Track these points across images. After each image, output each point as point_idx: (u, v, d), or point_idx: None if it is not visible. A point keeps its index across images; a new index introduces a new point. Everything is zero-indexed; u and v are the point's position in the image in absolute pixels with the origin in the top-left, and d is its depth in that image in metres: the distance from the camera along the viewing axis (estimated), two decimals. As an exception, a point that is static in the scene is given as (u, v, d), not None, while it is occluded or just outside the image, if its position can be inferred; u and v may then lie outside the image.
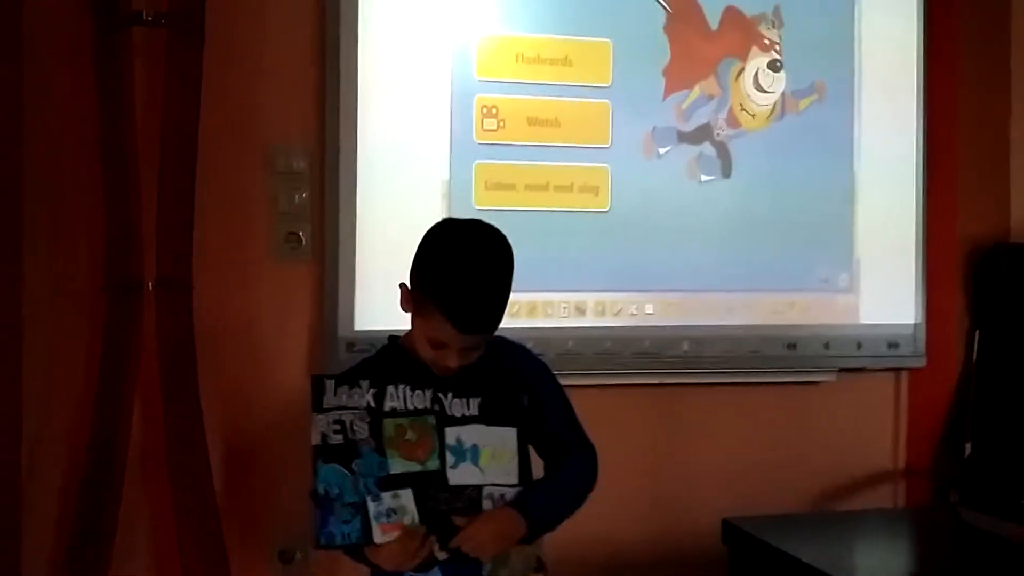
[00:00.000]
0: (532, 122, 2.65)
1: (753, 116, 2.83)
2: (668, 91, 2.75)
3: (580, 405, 1.79)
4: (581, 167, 2.68)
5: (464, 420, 1.60)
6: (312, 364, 2.53)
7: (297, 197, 2.55)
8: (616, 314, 2.71)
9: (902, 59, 2.92)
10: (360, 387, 1.59)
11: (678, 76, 2.76)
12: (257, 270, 2.54)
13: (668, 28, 2.75)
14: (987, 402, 2.93)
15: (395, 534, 1.57)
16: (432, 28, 2.59)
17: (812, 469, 2.90)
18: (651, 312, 2.73)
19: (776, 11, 2.83)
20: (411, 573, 1.62)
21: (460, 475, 1.60)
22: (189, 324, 2.38)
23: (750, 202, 2.81)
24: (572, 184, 2.68)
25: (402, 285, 1.66)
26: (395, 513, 1.57)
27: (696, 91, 2.78)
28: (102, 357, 2.33)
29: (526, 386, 1.69)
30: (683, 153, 2.76)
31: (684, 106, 2.77)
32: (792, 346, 2.82)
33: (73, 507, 2.32)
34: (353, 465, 1.57)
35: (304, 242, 2.56)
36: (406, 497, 1.57)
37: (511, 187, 2.64)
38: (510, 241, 1.65)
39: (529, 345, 1.92)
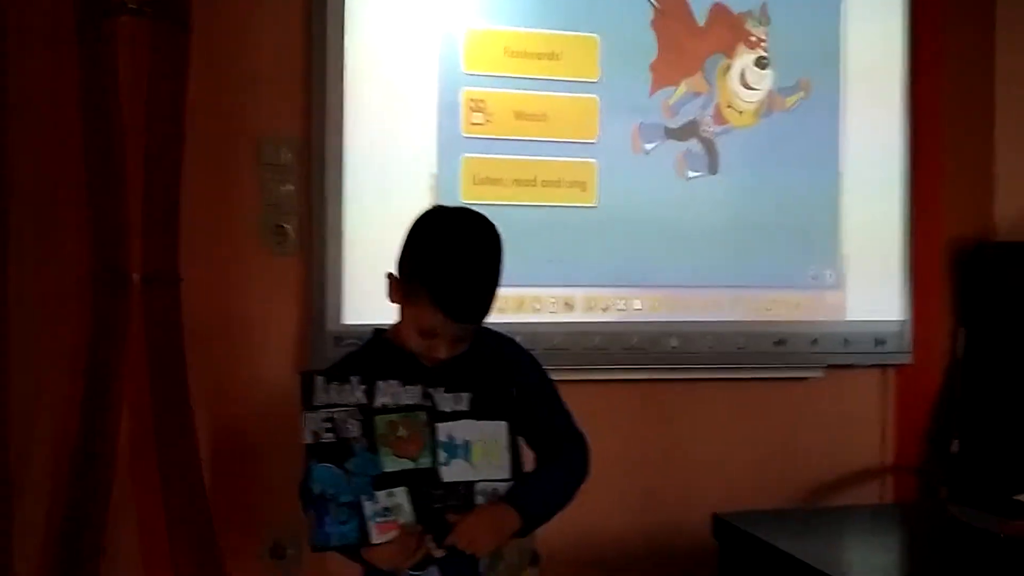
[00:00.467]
0: (519, 116, 2.64)
1: (740, 113, 2.83)
2: (655, 87, 2.76)
3: (568, 401, 1.78)
4: (568, 162, 2.68)
5: (455, 415, 1.58)
6: (300, 358, 2.51)
7: (284, 189, 2.54)
8: (604, 310, 2.70)
9: (888, 58, 2.94)
10: (350, 383, 1.55)
11: (665, 72, 2.77)
12: (244, 263, 2.53)
13: (656, 24, 2.75)
14: (973, 399, 2.95)
15: (392, 533, 1.54)
16: (419, 21, 2.58)
17: (801, 464, 2.91)
18: (639, 308, 2.73)
19: (763, 9, 2.84)
20: (407, 572, 1.59)
21: (453, 472, 1.57)
22: (177, 318, 2.36)
23: (737, 199, 2.81)
24: (560, 179, 2.68)
25: (390, 275, 1.62)
26: (390, 512, 1.54)
27: (683, 87, 2.78)
28: (89, 352, 2.31)
29: (515, 378, 1.66)
30: (670, 149, 2.76)
31: (671, 102, 2.77)
32: (780, 342, 2.82)
33: (63, 503, 2.29)
34: (347, 464, 1.53)
35: (291, 235, 2.54)
36: (401, 496, 1.55)
37: (498, 181, 2.63)
38: (498, 236, 1.63)
39: (517, 340, 1.90)
